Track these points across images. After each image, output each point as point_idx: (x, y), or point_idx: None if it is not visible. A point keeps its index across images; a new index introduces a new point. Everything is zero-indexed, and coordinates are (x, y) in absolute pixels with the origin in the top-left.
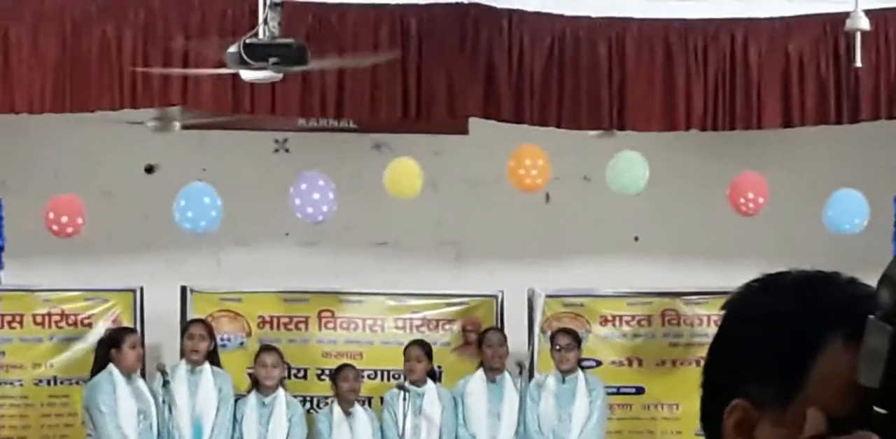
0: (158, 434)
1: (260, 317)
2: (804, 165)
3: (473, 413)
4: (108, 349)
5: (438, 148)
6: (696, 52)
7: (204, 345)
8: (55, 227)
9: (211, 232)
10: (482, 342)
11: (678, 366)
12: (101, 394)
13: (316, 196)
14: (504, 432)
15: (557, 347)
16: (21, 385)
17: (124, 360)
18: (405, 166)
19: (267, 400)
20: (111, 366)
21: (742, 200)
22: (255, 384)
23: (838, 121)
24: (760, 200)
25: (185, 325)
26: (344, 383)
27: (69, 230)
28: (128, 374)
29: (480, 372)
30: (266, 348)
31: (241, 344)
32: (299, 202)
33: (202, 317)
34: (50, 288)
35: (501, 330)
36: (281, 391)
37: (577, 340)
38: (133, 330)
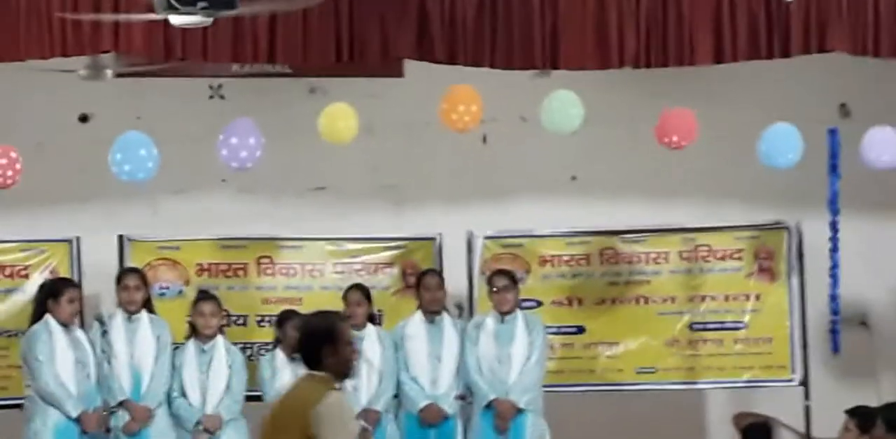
0: (97, 382)
1: (198, 264)
2: (738, 101)
3: (414, 355)
4: (46, 299)
5: (374, 91)
6: None
7: (139, 295)
8: None
9: (147, 180)
10: (420, 285)
11: (618, 305)
12: (39, 344)
13: (245, 142)
14: (444, 373)
15: (495, 289)
16: None
17: (61, 312)
18: (339, 110)
19: (206, 347)
20: (48, 317)
21: (665, 139)
22: (194, 332)
23: (770, 56)
24: (683, 141)
25: (119, 275)
26: (291, 330)
27: (4, 181)
28: (65, 324)
29: (419, 315)
30: (203, 296)
31: (180, 292)
32: (226, 152)
33: (140, 266)
34: None
35: (440, 272)
36: (220, 338)
37: (514, 281)
38: (72, 284)
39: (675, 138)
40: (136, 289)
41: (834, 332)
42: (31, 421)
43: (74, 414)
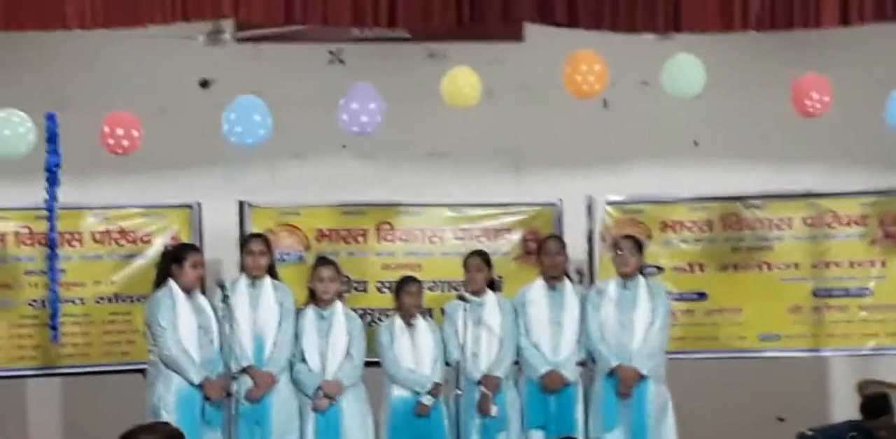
0: (220, 348)
1: (318, 230)
2: (864, 64)
3: (535, 322)
4: (169, 265)
5: (494, 56)
6: None
7: (264, 260)
8: (111, 143)
9: (267, 145)
10: (541, 250)
11: (740, 271)
12: (162, 310)
13: (365, 107)
14: (565, 340)
15: (619, 251)
16: (82, 303)
17: (184, 278)
18: (463, 74)
19: (325, 313)
20: (171, 282)
21: (807, 101)
22: (313, 298)
23: None
24: (826, 99)
25: (244, 240)
26: (408, 297)
27: (125, 145)
28: (188, 290)
29: (540, 281)
30: (322, 261)
31: (300, 258)
32: (347, 117)
33: (260, 231)
34: (107, 205)
35: (560, 238)
36: (339, 304)
37: (639, 246)
38: (196, 249)
39: (815, 96)
40: (260, 255)
41: None
42: (154, 387)
43: (197, 381)
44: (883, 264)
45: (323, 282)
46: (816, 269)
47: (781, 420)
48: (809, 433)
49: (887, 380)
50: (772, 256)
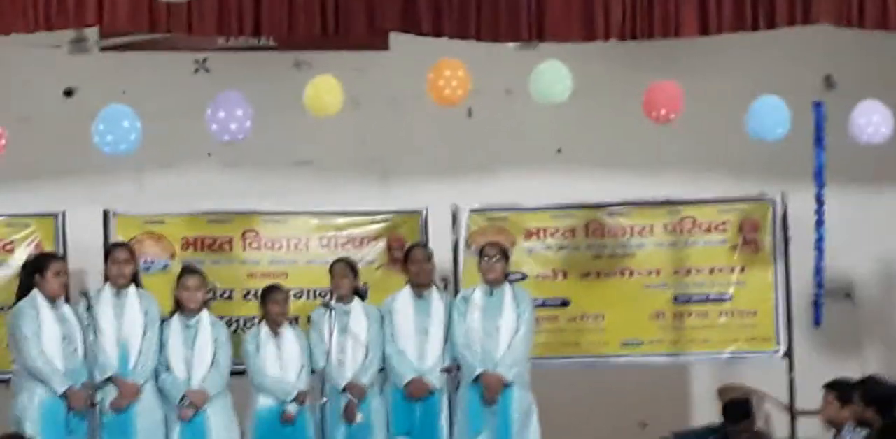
0: (84, 358)
1: (183, 238)
2: (722, 73)
3: (401, 329)
4: (32, 275)
5: (359, 64)
6: None
7: (128, 269)
8: None
9: (133, 154)
10: (408, 258)
11: (603, 278)
12: (25, 320)
13: (232, 115)
14: (432, 348)
15: (485, 258)
16: None
17: (48, 287)
18: (325, 83)
19: (191, 322)
20: (35, 292)
21: (653, 112)
22: (179, 306)
23: (755, 28)
24: (672, 113)
25: (108, 249)
26: (273, 305)
27: None
28: (52, 300)
29: (407, 289)
30: (188, 270)
31: (165, 266)
32: (216, 125)
33: (125, 240)
34: None
35: (426, 246)
36: (205, 313)
37: (504, 254)
38: (58, 257)
39: (662, 112)
40: (125, 263)
41: (817, 305)
42: (17, 397)
43: (61, 391)
44: (742, 270)
45: (188, 291)
46: (677, 276)
47: (644, 425)
48: (671, 437)
49: (747, 385)
50: (633, 263)
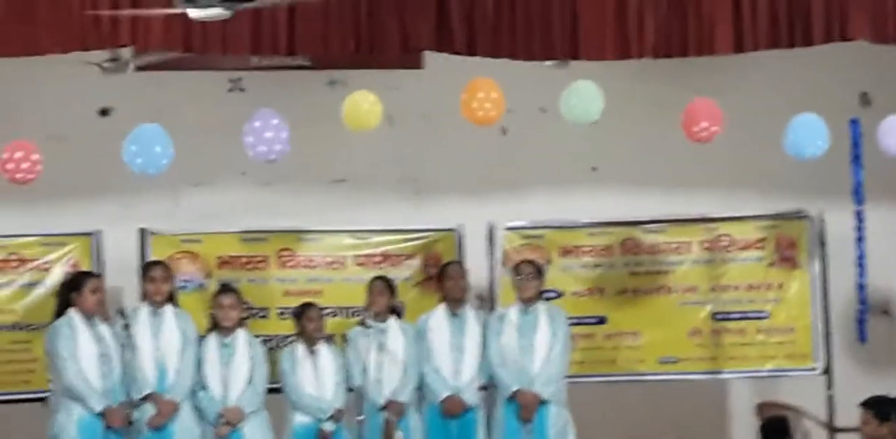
0: (122, 376)
1: (219, 257)
2: (757, 90)
3: (436, 347)
4: (69, 293)
5: (393, 83)
6: None
7: (165, 287)
8: (10, 172)
9: (168, 173)
10: (443, 276)
11: (639, 295)
12: (62, 339)
13: (269, 134)
14: (467, 365)
15: (520, 276)
16: None
17: (85, 304)
18: (363, 98)
19: (227, 340)
20: (71, 311)
21: (695, 128)
22: (215, 325)
23: (790, 45)
24: (714, 128)
25: (145, 268)
26: (308, 323)
27: (24, 175)
28: (88, 318)
29: (443, 307)
30: (223, 289)
31: (201, 285)
32: (252, 141)
33: (161, 259)
34: (6, 234)
35: (461, 263)
36: (241, 331)
37: (539, 271)
38: (94, 275)
39: (704, 124)
40: (162, 281)
41: (861, 322)
42: (55, 416)
43: (98, 409)
44: (780, 287)
45: (224, 310)
46: (714, 293)
47: None
48: None
49: (786, 402)
50: (670, 280)
